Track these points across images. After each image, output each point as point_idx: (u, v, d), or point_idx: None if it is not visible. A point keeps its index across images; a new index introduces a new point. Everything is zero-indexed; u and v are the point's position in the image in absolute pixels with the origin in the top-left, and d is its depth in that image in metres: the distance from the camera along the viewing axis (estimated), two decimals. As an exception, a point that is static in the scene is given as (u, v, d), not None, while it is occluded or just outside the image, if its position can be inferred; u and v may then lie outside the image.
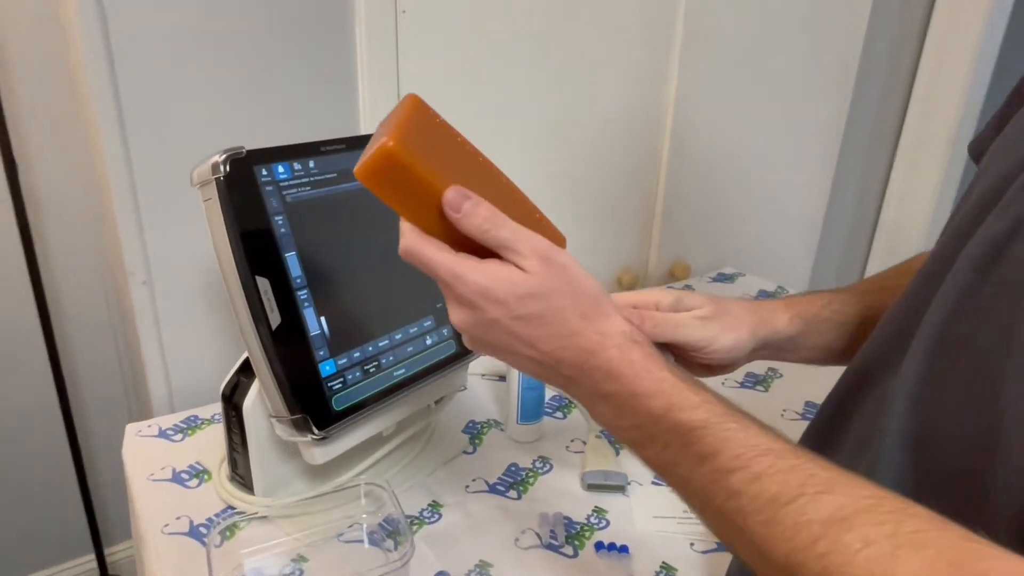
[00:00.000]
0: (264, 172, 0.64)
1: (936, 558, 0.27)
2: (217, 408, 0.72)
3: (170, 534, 0.70)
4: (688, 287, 1.37)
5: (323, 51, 0.97)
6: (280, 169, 0.66)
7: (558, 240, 0.45)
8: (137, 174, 0.90)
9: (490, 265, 0.39)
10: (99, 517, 1.25)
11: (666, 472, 0.38)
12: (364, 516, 0.70)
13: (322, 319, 0.66)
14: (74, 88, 1.00)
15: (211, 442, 0.83)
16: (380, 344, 0.71)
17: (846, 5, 1.44)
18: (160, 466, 0.79)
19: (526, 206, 0.44)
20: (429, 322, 0.76)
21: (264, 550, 0.67)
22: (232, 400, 0.69)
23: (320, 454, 0.67)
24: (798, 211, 1.60)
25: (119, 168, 0.88)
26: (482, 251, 0.41)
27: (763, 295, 1.33)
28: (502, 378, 0.98)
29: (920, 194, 1.67)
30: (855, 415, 0.46)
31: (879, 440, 0.40)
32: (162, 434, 0.85)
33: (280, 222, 0.64)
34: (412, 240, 0.40)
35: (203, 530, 0.70)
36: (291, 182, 0.66)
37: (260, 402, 0.67)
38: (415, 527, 0.72)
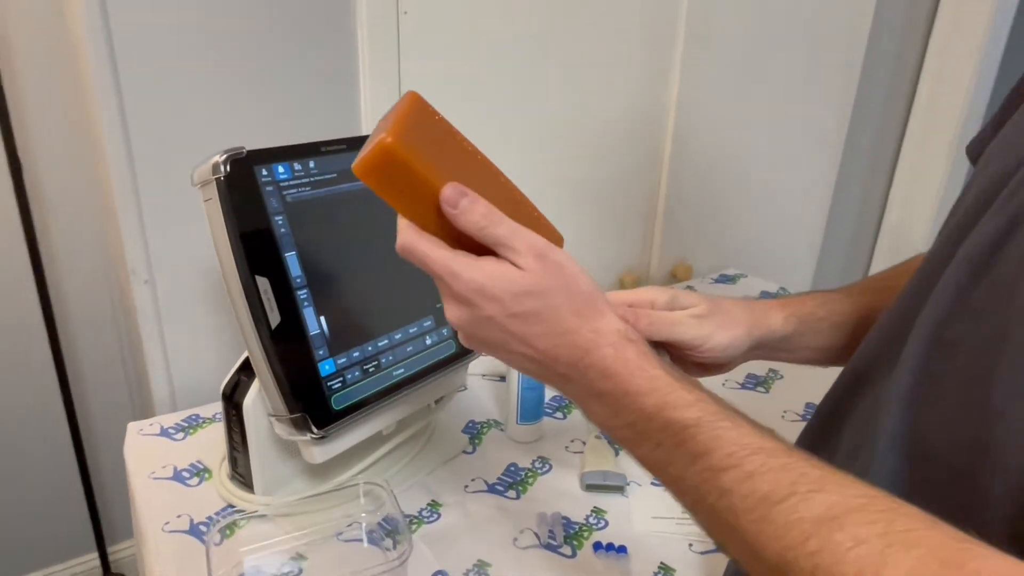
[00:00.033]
0: (264, 172, 0.65)
1: (926, 557, 0.27)
2: (219, 407, 0.72)
3: (170, 532, 0.70)
4: (690, 288, 1.37)
5: (325, 52, 0.98)
6: (280, 169, 0.66)
7: (556, 239, 0.45)
8: (139, 173, 0.90)
9: (486, 262, 0.40)
10: (102, 515, 1.25)
11: (659, 471, 0.38)
12: (363, 515, 0.70)
13: (321, 319, 0.66)
14: (79, 88, 1.01)
15: (212, 441, 0.83)
16: (380, 344, 0.71)
17: (850, 6, 1.44)
18: (161, 464, 0.80)
19: (524, 204, 0.45)
20: (429, 322, 0.76)
21: (263, 548, 0.67)
22: (232, 399, 0.70)
23: (319, 453, 0.67)
24: (801, 212, 1.59)
25: (121, 166, 0.89)
26: (479, 249, 0.41)
27: (765, 297, 1.33)
28: (502, 378, 0.98)
29: (924, 196, 1.66)
30: (851, 416, 0.46)
31: (873, 441, 0.40)
32: (164, 433, 0.86)
33: (280, 222, 0.65)
34: (409, 236, 0.40)
35: (203, 528, 0.70)
36: (291, 182, 0.66)
37: (260, 401, 0.68)
38: (414, 526, 0.72)
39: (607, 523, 0.73)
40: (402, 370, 0.73)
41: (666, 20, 1.23)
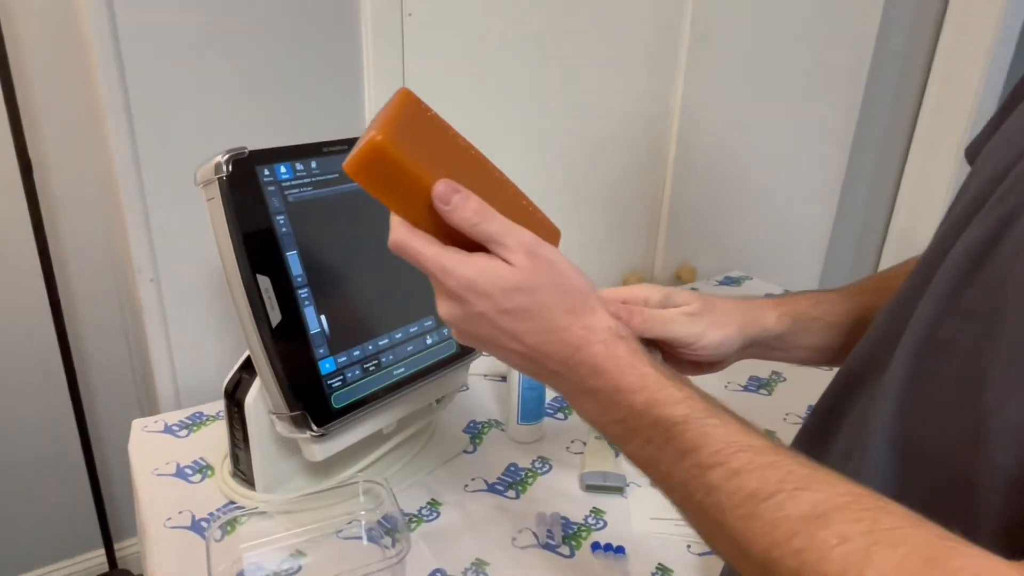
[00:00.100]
0: (266, 172, 0.65)
1: (910, 555, 0.28)
2: (222, 405, 0.73)
3: (172, 528, 0.71)
4: (694, 290, 1.36)
5: (329, 53, 0.99)
6: (282, 169, 0.67)
7: (552, 233, 0.45)
8: (145, 172, 0.91)
9: (477, 258, 0.40)
10: (108, 512, 1.27)
11: (649, 467, 0.38)
12: (363, 513, 0.71)
13: (322, 317, 0.67)
14: (88, 89, 1.02)
15: (215, 438, 0.84)
16: (380, 343, 0.71)
17: (857, 5, 1.43)
18: (165, 461, 0.80)
19: (519, 199, 0.45)
20: (429, 322, 0.76)
21: (263, 545, 0.67)
22: (234, 397, 0.70)
23: (319, 451, 0.67)
24: (806, 215, 1.59)
25: (127, 166, 0.90)
26: (472, 245, 0.41)
27: (770, 299, 1.32)
28: (503, 378, 0.98)
29: (931, 200, 1.65)
30: (846, 416, 0.46)
31: (867, 441, 0.40)
32: (167, 430, 0.87)
33: (281, 221, 0.65)
34: (401, 234, 0.41)
35: (205, 524, 0.71)
36: (293, 182, 0.67)
37: (261, 399, 0.68)
38: (413, 525, 0.72)
39: (606, 523, 0.74)
40: (402, 369, 0.73)
41: (671, 21, 1.23)
